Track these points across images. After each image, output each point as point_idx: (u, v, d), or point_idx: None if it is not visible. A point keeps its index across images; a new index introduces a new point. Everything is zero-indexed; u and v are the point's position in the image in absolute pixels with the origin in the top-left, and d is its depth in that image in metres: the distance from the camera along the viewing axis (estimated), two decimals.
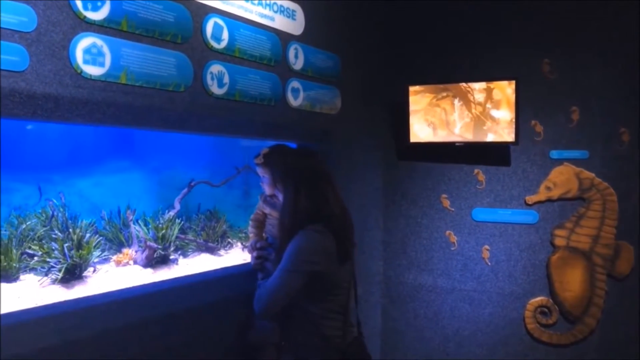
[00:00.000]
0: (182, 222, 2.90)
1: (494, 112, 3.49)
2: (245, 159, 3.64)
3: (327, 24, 3.23)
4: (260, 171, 2.58)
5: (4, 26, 1.69)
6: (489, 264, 3.69)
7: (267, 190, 2.58)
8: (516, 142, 3.45)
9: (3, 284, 2.21)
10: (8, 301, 2.03)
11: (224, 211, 3.46)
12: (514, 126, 3.43)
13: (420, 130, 3.68)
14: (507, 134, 3.46)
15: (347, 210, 2.29)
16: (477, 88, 3.51)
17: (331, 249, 2.10)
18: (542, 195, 3.55)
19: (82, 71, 1.91)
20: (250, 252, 2.59)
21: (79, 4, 1.90)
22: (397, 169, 3.97)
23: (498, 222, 3.68)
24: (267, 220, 2.66)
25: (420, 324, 3.91)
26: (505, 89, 3.44)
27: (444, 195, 3.81)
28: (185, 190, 3.15)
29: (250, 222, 2.72)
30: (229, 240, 3.30)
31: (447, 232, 3.80)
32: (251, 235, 2.70)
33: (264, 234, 2.68)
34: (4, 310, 1.89)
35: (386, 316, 4.02)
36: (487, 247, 3.69)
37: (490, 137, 3.52)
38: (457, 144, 3.61)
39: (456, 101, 3.58)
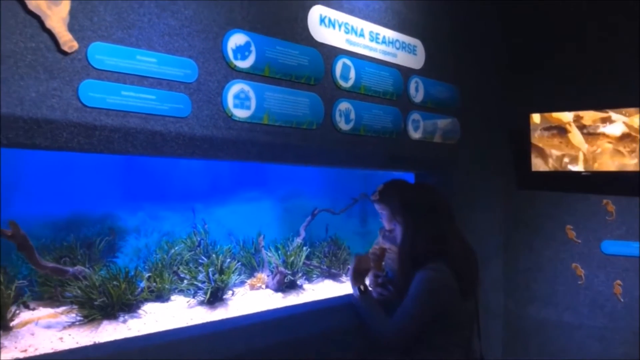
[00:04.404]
0: (308, 249, 3.05)
1: (625, 140, 3.31)
2: (362, 187, 3.76)
3: (446, 56, 3.28)
4: (377, 207, 2.64)
5: (173, 79, 1.95)
6: (622, 300, 3.46)
7: (386, 225, 2.63)
8: None
9: (158, 304, 2.48)
10: (164, 319, 2.27)
11: (343, 238, 3.58)
12: None
13: (543, 159, 3.58)
14: None
15: (470, 248, 2.24)
16: (604, 116, 3.36)
17: (452, 287, 2.07)
18: None
19: (232, 114, 2.13)
20: (371, 285, 2.64)
21: (231, 55, 2.13)
22: (518, 198, 3.87)
23: (631, 255, 3.44)
24: (387, 254, 2.72)
25: None
26: (638, 116, 3.25)
27: (569, 226, 3.65)
28: (309, 218, 3.32)
29: (369, 256, 2.80)
30: (349, 266, 3.40)
31: (574, 264, 3.63)
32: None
33: (383, 268, 2.74)
34: (163, 328, 2.13)
35: (508, 351, 3.89)
36: (619, 282, 3.47)
37: (620, 166, 3.33)
38: (583, 173, 3.46)
39: (580, 129, 3.44)
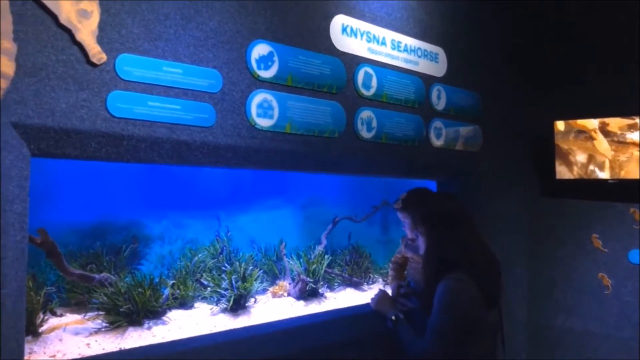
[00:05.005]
0: (330, 257, 3.05)
1: None
2: (383, 195, 3.75)
3: (469, 64, 3.27)
4: (400, 216, 2.62)
5: (198, 89, 1.98)
6: None
7: (409, 233, 2.61)
8: None
9: (182, 311, 2.51)
10: (188, 326, 2.30)
11: (364, 246, 3.57)
12: None
13: (568, 167, 3.53)
14: None
15: (493, 257, 2.21)
16: (631, 122, 3.30)
17: (475, 297, 2.03)
18: None
19: (255, 123, 2.15)
20: (393, 295, 2.63)
21: (254, 65, 2.16)
22: (543, 206, 3.81)
23: None
24: (409, 263, 2.70)
25: None
26: None
27: (596, 235, 3.58)
28: (330, 226, 3.32)
29: (391, 265, 2.79)
30: (371, 275, 3.39)
31: (600, 274, 3.55)
32: (390, 278, 2.76)
33: (405, 277, 2.72)
34: (187, 335, 2.15)
35: None
36: None
37: None
38: (609, 181, 3.40)
39: (605, 136, 3.39)
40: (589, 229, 3.61)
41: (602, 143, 3.39)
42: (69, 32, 1.68)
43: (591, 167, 3.45)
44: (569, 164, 3.52)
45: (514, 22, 3.76)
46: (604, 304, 3.54)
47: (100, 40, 1.75)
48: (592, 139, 3.43)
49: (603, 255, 3.55)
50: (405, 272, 2.75)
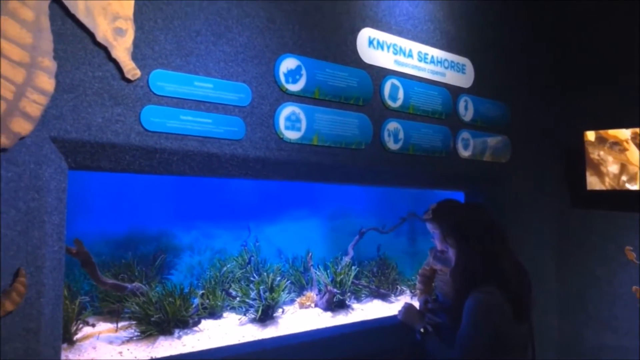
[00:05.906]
0: (357, 269, 3.06)
1: None
2: (410, 206, 3.74)
3: (496, 74, 3.25)
4: (429, 227, 2.60)
5: (228, 103, 2.03)
6: None
7: (438, 245, 2.59)
8: None
9: (210, 320, 2.54)
10: (217, 336, 2.33)
11: (391, 257, 3.56)
12: None
13: (599, 177, 3.46)
14: None
15: (523, 269, 2.18)
16: None
17: (504, 310, 2.01)
18: None
19: (283, 136, 2.19)
20: (421, 309, 2.61)
21: (282, 79, 2.20)
22: (573, 218, 3.74)
23: None
24: (437, 276, 2.68)
25: None
26: None
27: (629, 247, 3.49)
28: (357, 237, 3.33)
29: (418, 278, 2.77)
30: (398, 286, 3.38)
31: (634, 287, 3.46)
32: (418, 291, 2.74)
33: (433, 289, 2.70)
34: (216, 344, 2.18)
35: None
36: None
37: None
38: None
39: (638, 146, 3.32)
40: (621, 241, 3.52)
41: (634, 154, 3.32)
42: (105, 50, 1.74)
43: (623, 178, 3.38)
44: (601, 175, 3.45)
45: (542, 31, 3.72)
46: (638, 317, 3.44)
47: (134, 56, 1.82)
48: (624, 149, 3.36)
49: (637, 267, 3.46)
50: (434, 284, 2.73)
